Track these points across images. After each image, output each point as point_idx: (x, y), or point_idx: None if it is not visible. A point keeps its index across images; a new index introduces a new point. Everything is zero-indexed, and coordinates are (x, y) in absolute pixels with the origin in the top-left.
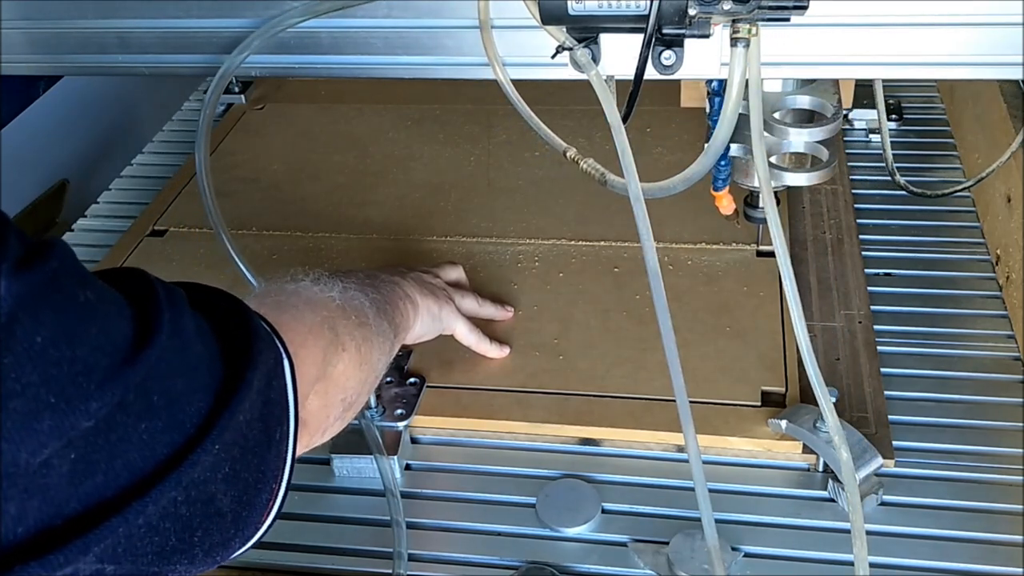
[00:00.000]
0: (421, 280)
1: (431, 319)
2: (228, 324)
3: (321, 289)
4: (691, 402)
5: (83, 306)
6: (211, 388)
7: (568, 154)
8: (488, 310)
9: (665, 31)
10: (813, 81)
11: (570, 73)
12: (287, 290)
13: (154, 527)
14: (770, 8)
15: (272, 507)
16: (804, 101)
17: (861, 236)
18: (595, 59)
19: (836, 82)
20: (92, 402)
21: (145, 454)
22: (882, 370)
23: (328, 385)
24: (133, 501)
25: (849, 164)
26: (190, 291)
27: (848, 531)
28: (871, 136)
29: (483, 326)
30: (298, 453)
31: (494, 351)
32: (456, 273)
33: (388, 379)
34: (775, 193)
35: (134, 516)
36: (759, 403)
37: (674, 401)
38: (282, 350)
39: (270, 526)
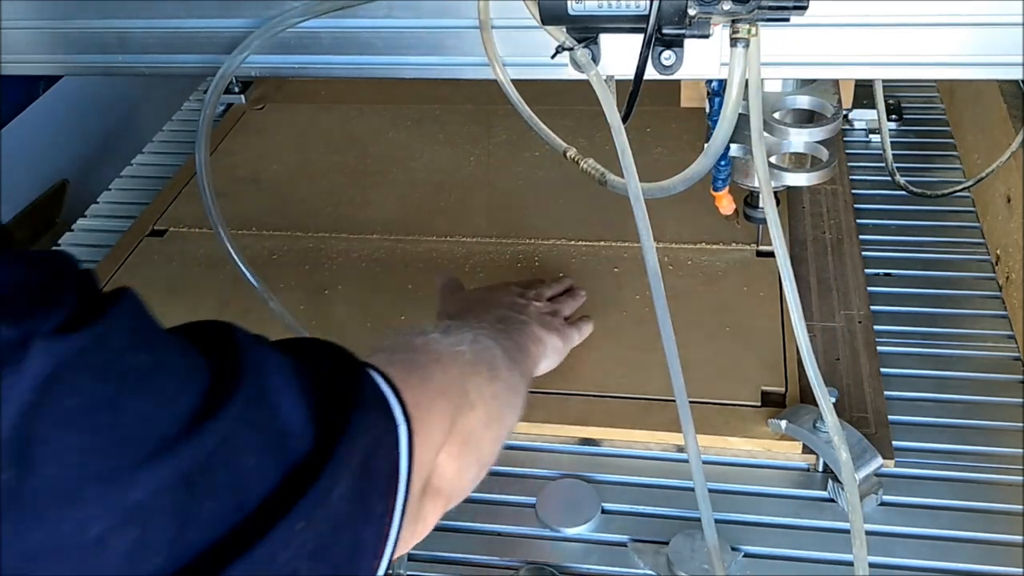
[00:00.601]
0: (543, 319)
1: (556, 356)
2: (335, 385)
3: (451, 342)
4: (691, 402)
5: (130, 371)
6: (291, 463)
7: (568, 154)
8: (585, 330)
9: (665, 31)
10: (813, 81)
11: (570, 73)
12: (415, 345)
13: None
14: (770, 8)
15: None
16: (804, 101)
17: (861, 236)
18: (595, 59)
19: (836, 82)
20: (141, 473)
21: (209, 535)
22: (882, 370)
23: (461, 448)
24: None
25: (849, 164)
26: (298, 349)
27: (848, 531)
28: (871, 136)
29: None
30: (434, 522)
31: (589, 329)
32: (551, 291)
33: None
34: (775, 193)
35: None
36: (759, 403)
37: (674, 401)
38: (401, 416)
39: None
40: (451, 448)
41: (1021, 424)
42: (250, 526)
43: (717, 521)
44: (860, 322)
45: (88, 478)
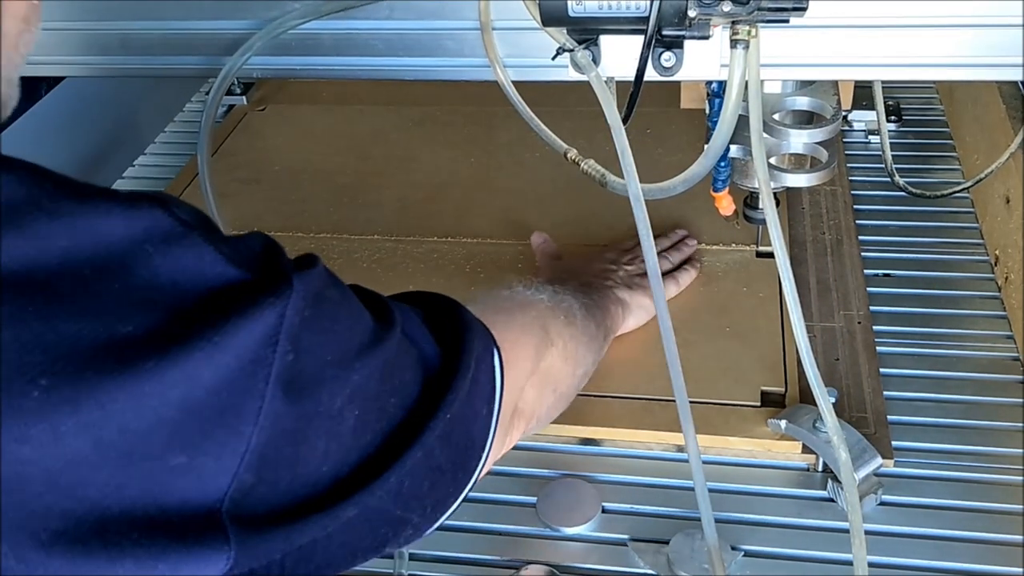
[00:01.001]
0: (630, 280)
1: (644, 312)
2: (443, 320)
3: (532, 293)
4: (691, 402)
5: (333, 299)
6: (427, 377)
7: (568, 155)
8: (684, 279)
9: (665, 33)
10: (812, 82)
11: (571, 74)
12: (502, 295)
13: (406, 475)
14: (769, 10)
15: (477, 472)
16: (803, 102)
17: (860, 237)
18: (595, 60)
19: (835, 83)
20: (357, 362)
21: (390, 424)
22: (881, 370)
23: (540, 378)
24: (396, 456)
25: (848, 165)
26: (413, 295)
27: (848, 531)
28: (870, 137)
29: None
30: (518, 438)
31: (690, 276)
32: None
33: None
34: (775, 194)
35: (399, 467)
36: (759, 403)
37: (674, 401)
38: (492, 342)
39: (468, 491)
40: (532, 379)
41: (1021, 424)
42: (414, 419)
43: (717, 521)
44: (860, 322)
45: (329, 364)
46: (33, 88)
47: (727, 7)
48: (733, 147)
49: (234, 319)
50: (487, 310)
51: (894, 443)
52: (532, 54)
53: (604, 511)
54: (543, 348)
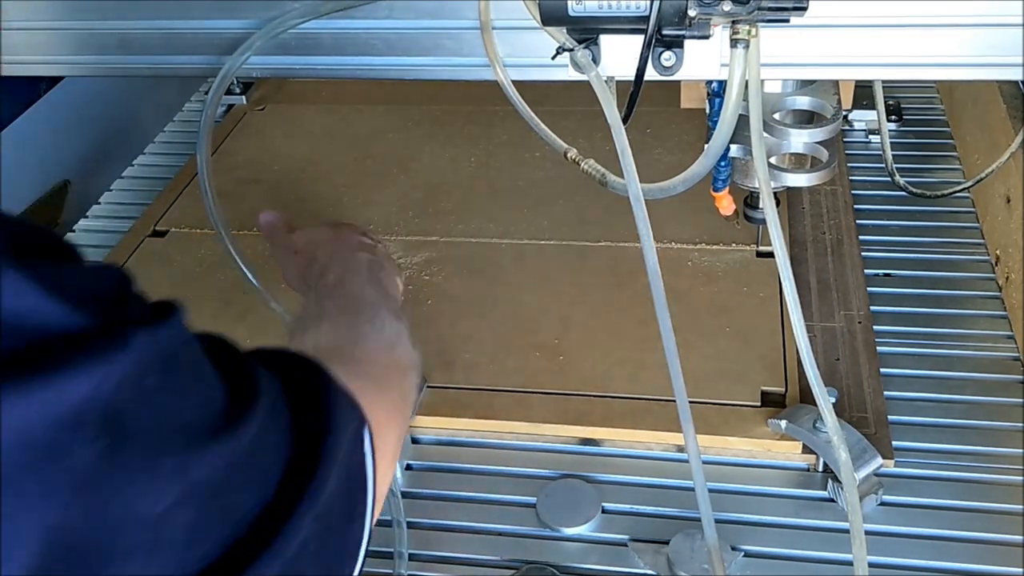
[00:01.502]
0: (388, 257)
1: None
2: (306, 393)
3: (391, 327)
4: (691, 402)
5: (186, 366)
6: (288, 461)
7: (568, 155)
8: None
9: (665, 32)
10: (813, 82)
11: (571, 74)
12: (367, 334)
13: None
14: (770, 9)
15: None
16: (804, 102)
17: (861, 237)
18: (595, 60)
19: (836, 83)
20: (205, 452)
21: (243, 525)
22: (882, 370)
23: (399, 449)
24: (244, 569)
25: (849, 165)
26: (265, 355)
27: (848, 531)
28: (871, 137)
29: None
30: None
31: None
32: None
33: None
34: (775, 194)
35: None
36: (759, 403)
37: (674, 401)
38: (363, 422)
39: None
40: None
41: (1021, 424)
42: (271, 519)
43: (717, 521)
44: (860, 322)
45: (164, 453)
46: (33, 88)
47: (727, 7)
48: (733, 147)
49: (35, 380)
50: (353, 370)
51: (894, 443)
52: (532, 54)
53: (604, 511)
54: (406, 410)
